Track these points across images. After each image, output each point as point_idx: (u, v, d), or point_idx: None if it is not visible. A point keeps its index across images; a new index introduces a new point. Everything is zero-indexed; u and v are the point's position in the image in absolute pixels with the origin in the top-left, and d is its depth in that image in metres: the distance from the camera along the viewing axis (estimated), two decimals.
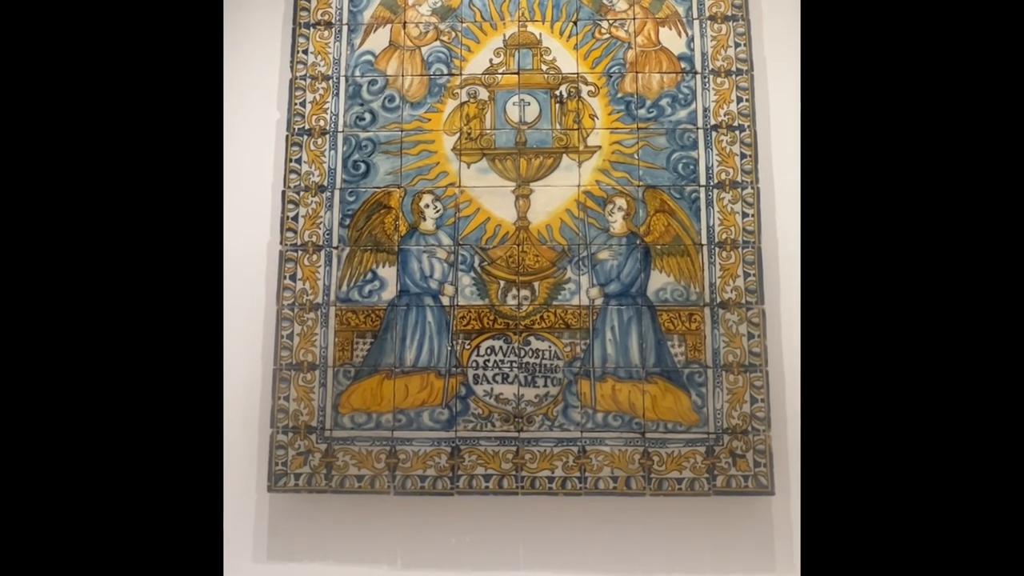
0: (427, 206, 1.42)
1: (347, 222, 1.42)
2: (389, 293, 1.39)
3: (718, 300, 1.37)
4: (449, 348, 1.37)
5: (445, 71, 1.47)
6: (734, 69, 1.46)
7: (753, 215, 1.40)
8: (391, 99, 1.46)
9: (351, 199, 1.42)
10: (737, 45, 1.47)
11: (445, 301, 1.39)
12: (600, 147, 1.44)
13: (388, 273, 1.40)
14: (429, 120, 1.45)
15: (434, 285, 1.39)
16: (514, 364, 1.37)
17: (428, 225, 1.42)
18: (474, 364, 1.37)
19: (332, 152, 1.44)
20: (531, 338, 1.37)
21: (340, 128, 1.45)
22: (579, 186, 1.42)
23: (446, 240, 1.41)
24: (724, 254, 1.39)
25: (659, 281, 1.38)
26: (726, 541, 1.34)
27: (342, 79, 1.47)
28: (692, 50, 1.47)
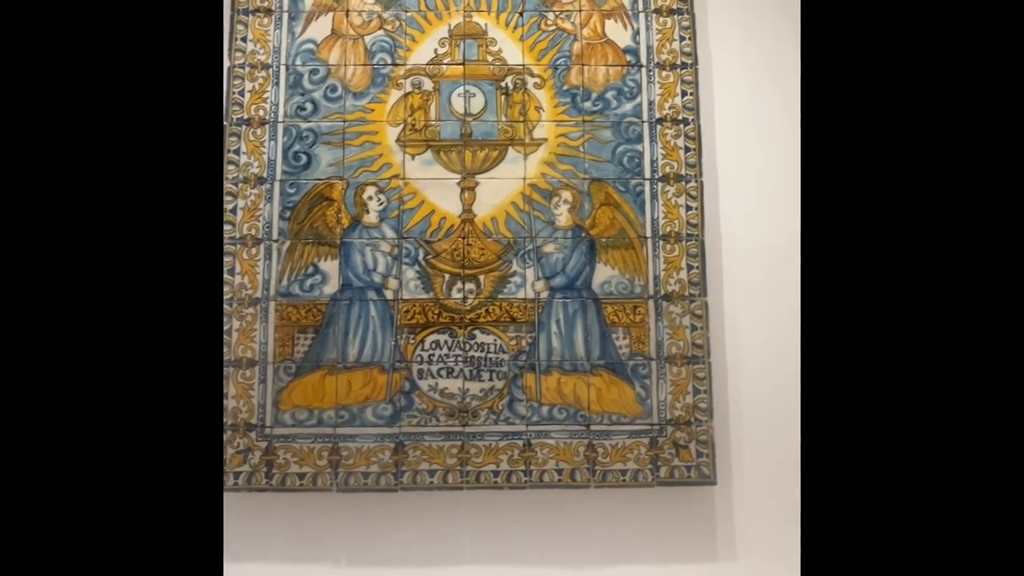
0: (370, 198, 1.39)
1: (287, 215, 1.38)
2: (331, 287, 1.36)
3: (662, 293, 1.38)
4: (393, 343, 1.35)
5: (389, 61, 1.45)
6: (679, 63, 1.47)
7: (697, 208, 1.41)
8: (333, 89, 1.43)
9: (292, 191, 1.39)
10: (682, 39, 1.48)
11: (389, 295, 1.37)
12: (546, 140, 1.43)
13: (330, 267, 1.37)
14: (372, 111, 1.43)
15: (377, 279, 1.37)
16: (459, 358, 1.35)
17: (371, 218, 1.39)
18: (418, 358, 1.35)
19: (272, 143, 1.41)
20: (476, 332, 1.36)
21: (280, 118, 1.42)
22: (525, 179, 1.41)
23: (390, 233, 1.39)
24: (668, 247, 1.40)
25: (604, 274, 1.39)
26: (669, 531, 1.36)
27: (282, 68, 1.44)
28: (638, 43, 1.47)
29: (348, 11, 1.46)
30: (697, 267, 1.39)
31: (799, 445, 1.39)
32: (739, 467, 1.38)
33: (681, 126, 1.44)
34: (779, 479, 1.38)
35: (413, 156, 1.41)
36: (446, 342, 1.36)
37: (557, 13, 1.47)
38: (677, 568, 1.35)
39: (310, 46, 1.45)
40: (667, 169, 1.42)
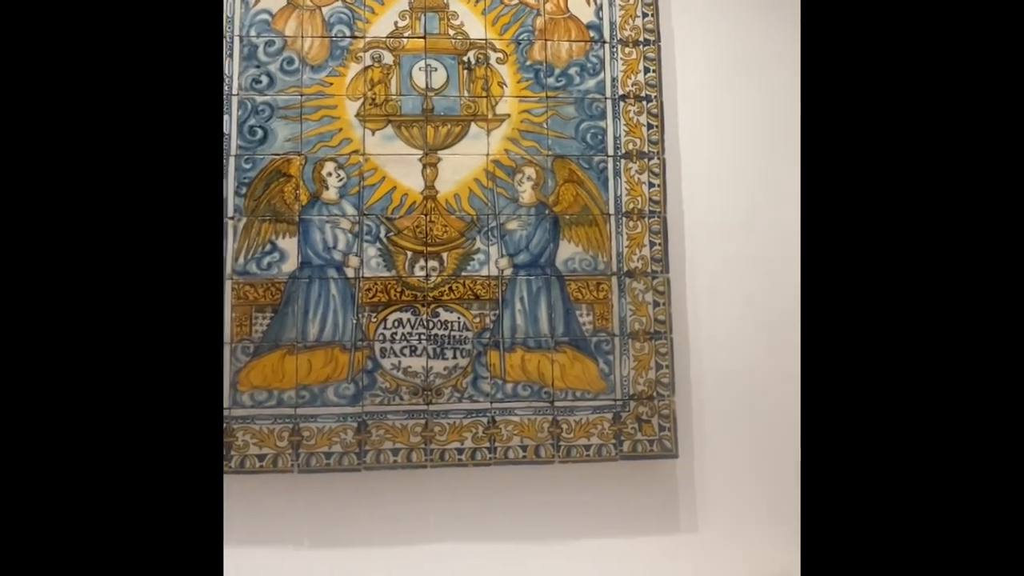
0: (329, 174, 1.36)
1: (243, 191, 1.34)
2: (290, 265, 1.33)
3: (625, 269, 1.39)
4: (354, 321, 1.33)
5: (347, 33, 1.41)
6: (642, 39, 1.46)
7: (659, 185, 1.42)
8: (290, 61, 1.39)
9: (247, 167, 1.35)
10: (645, 15, 1.47)
11: (350, 273, 1.34)
12: (509, 115, 1.41)
13: (288, 244, 1.34)
14: (331, 84, 1.39)
15: (338, 256, 1.34)
16: (422, 336, 1.34)
17: (331, 194, 1.36)
18: (381, 337, 1.33)
19: (226, 116, 1.36)
20: (440, 310, 1.35)
21: (235, 91, 1.37)
22: (488, 155, 1.40)
23: (350, 210, 1.36)
24: (631, 224, 1.40)
25: (568, 251, 1.38)
26: (633, 504, 1.37)
27: (236, 39, 1.39)
28: (601, 19, 1.46)
29: None
30: (659, 244, 1.40)
31: (759, 417, 1.42)
32: (700, 440, 1.40)
33: (644, 103, 1.44)
34: (739, 451, 1.41)
35: (373, 131, 1.38)
36: (409, 320, 1.34)
37: None
38: (640, 540, 1.37)
39: (265, 17, 1.40)
40: (630, 146, 1.42)
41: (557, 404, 1.34)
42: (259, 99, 1.37)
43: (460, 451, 1.31)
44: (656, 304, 1.38)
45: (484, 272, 1.37)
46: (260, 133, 1.36)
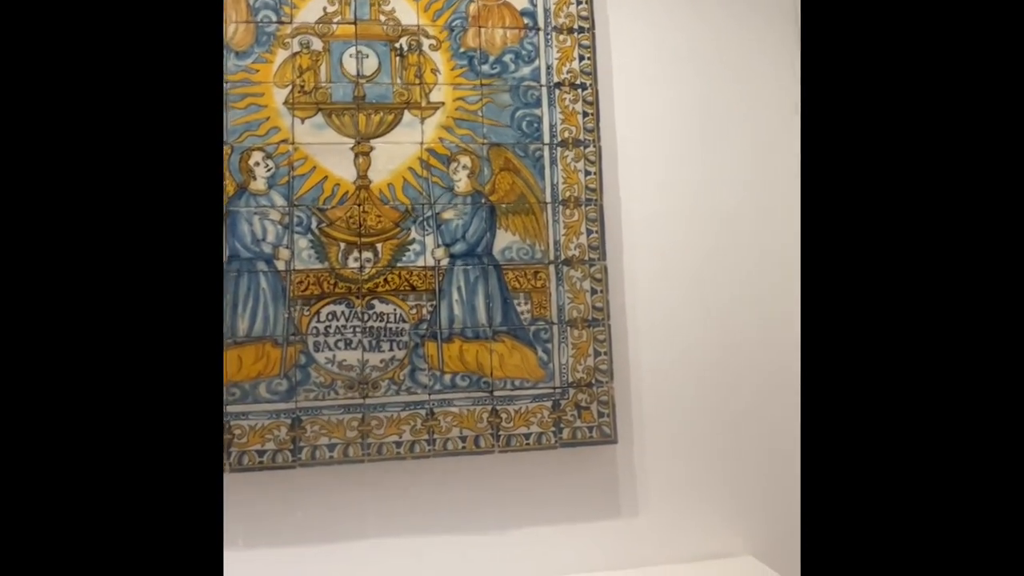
0: (257, 164, 1.32)
1: None
2: None
3: (562, 257, 1.39)
4: (286, 315, 1.30)
5: (274, 18, 1.37)
6: (576, 27, 1.46)
7: (595, 173, 1.42)
8: None
9: None
10: (579, 2, 1.47)
11: (280, 266, 1.31)
12: (443, 103, 1.39)
13: None
14: (257, 71, 1.34)
15: (267, 249, 1.31)
16: (357, 329, 1.31)
17: (259, 184, 1.32)
18: (314, 331, 1.30)
19: None
20: (375, 301, 1.33)
21: None
22: (422, 143, 1.38)
23: (279, 200, 1.32)
24: (568, 212, 1.40)
25: (505, 240, 1.38)
26: (573, 490, 1.38)
27: None
28: (535, 6, 1.45)
29: None
30: (596, 231, 1.40)
31: (697, 401, 1.44)
32: (639, 425, 1.42)
33: (579, 91, 1.44)
34: (677, 435, 1.43)
35: (303, 120, 1.35)
36: (343, 313, 1.31)
37: None
38: (581, 526, 1.38)
39: None
40: (566, 134, 1.42)
41: (496, 394, 1.33)
42: None
43: (398, 444, 1.30)
44: (594, 292, 1.38)
45: (420, 262, 1.35)
46: None
